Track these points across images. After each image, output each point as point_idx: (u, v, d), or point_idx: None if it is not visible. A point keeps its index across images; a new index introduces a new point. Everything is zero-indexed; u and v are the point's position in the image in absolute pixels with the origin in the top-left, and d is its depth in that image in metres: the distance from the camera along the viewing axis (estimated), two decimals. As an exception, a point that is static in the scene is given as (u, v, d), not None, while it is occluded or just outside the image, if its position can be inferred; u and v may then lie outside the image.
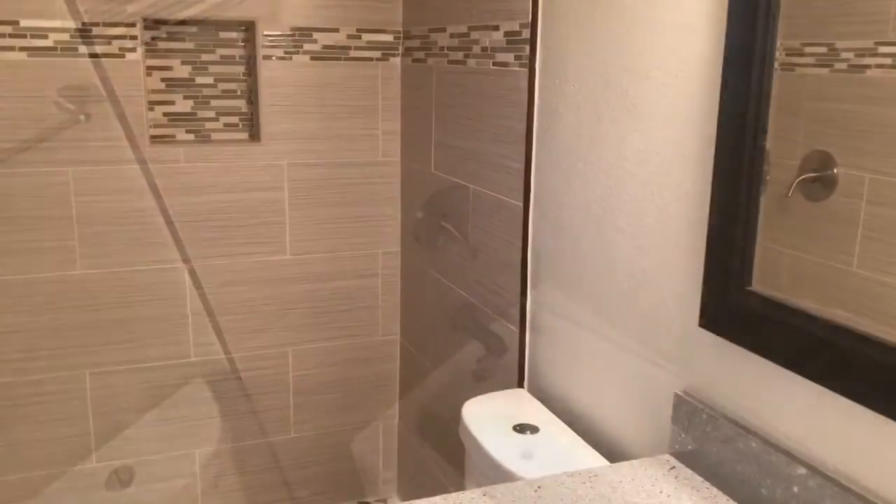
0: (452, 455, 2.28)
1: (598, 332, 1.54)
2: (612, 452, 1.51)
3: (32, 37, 2.11)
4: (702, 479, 1.23)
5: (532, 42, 1.68)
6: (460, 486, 2.20)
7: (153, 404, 2.41)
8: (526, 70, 1.71)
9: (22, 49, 2.10)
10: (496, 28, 1.83)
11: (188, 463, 2.49)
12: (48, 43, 2.12)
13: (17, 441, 2.30)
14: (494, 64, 1.85)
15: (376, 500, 2.74)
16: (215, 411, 2.48)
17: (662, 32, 1.30)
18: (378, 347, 2.64)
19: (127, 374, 2.37)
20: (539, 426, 1.58)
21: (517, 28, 1.74)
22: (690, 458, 1.26)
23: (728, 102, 1.13)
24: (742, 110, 1.10)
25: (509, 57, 1.78)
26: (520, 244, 1.79)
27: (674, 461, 1.29)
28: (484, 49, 1.90)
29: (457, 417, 2.21)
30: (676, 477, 1.24)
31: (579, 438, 1.53)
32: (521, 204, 1.77)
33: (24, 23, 2.09)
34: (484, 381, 2.03)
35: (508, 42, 1.78)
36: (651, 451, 1.40)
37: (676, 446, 1.29)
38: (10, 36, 2.09)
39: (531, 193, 1.74)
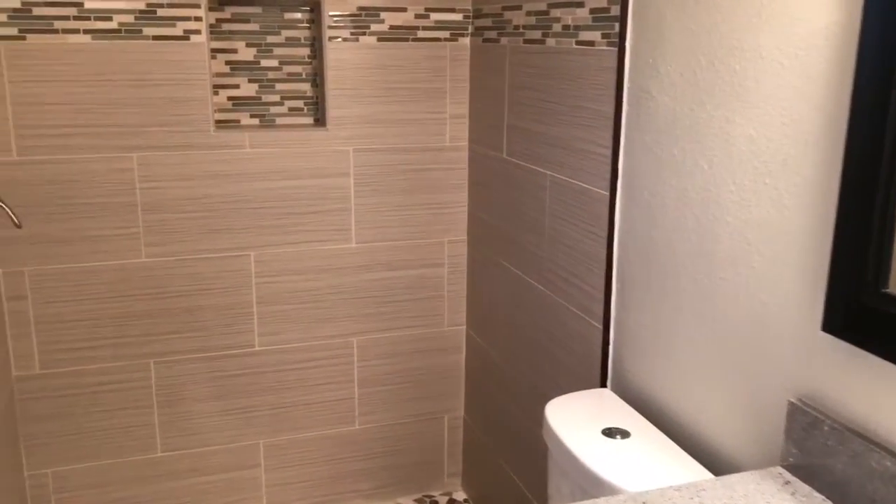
0: (523, 452, 2.20)
1: (696, 331, 1.43)
2: (713, 462, 1.41)
3: (97, 19, 2.06)
4: (822, 497, 1.13)
5: (622, 19, 1.57)
6: (531, 484, 2.12)
7: (218, 394, 2.37)
8: (615, 49, 1.60)
9: (86, 32, 2.06)
10: (580, 4, 1.72)
11: (253, 453, 2.44)
12: (112, 25, 2.07)
13: (82, 430, 2.28)
14: (578, 43, 1.75)
15: (441, 494, 2.68)
16: (280, 401, 2.44)
17: (781, 6, 1.18)
18: (444, 338, 2.56)
19: (192, 363, 2.33)
20: (629, 430, 1.48)
21: (605, 4, 1.63)
22: (807, 473, 1.16)
23: (866, 81, 1.01)
24: (884, 88, 0.99)
25: (595, 35, 1.67)
26: (605, 235, 1.68)
27: (787, 475, 1.19)
28: (566, 27, 1.79)
29: (529, 414, 2.13)
30: (793, 493, 1.14)
31: (675, 445, 1.43)
32: (607, 193, 1.66)
33: (88, 4, 2.04)
34: (560, 378, 1.94)
35: (595, 19, 1.67)
36: (758, 463, 1.30)
37: (790, 459, 1.19)
38: (75, 18, 2.05)
39: (618, 181, 1.64)
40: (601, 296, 1.72)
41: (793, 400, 1.19)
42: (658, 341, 1.55)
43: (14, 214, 1.79)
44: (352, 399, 2.51)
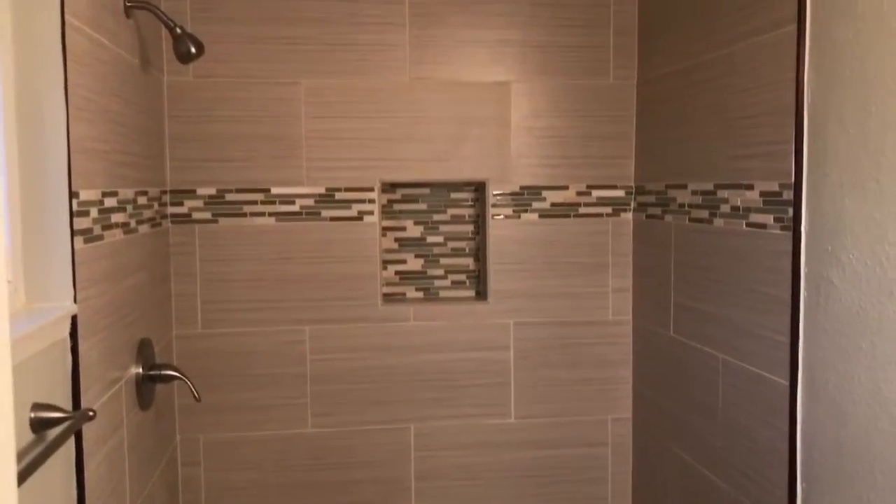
0: None
1: (900, 549, 1.27)
2: None
3: (281, 203, 2.23)
4: None
5: (796, 204, 1.52)
6: None
7: (372, 571, 2.33)
8: (789, 234, 1.54)
9: (271, 214, 2.23)
10: (750, 187, 1.69)
11: None
12: (295, 208, 2.23)
13: None
14: (748, 225, 1.70)
15: None
16: (434, 583, 2.35)
17: (979, 199, 1.10)
18: (607, 523, 2.42)
19: (348, 536, 2.31)
20: None
21: (776, 188, 1.59)
22: None
23: None
24: None
25: (767, 218, 1.62)
26: (786, 428, 1.56)
27: None
28: (735, 209, 1.75)
29: None
30: None
31: None
32: (786, 382, 1.56)
33: (274, 190, 2.22)
34: (740, 582, 1.76)
35: (766, 203, 1.63)
36: None
37: None
38: (262, 203, 2.22)
39: (799, 371, 1.53)
40: (785, 495, 1.57)
41: None
42: (854, 554, 1.39)
43: (194, 388, 1.89)
44: (509, 584, 2.39)
